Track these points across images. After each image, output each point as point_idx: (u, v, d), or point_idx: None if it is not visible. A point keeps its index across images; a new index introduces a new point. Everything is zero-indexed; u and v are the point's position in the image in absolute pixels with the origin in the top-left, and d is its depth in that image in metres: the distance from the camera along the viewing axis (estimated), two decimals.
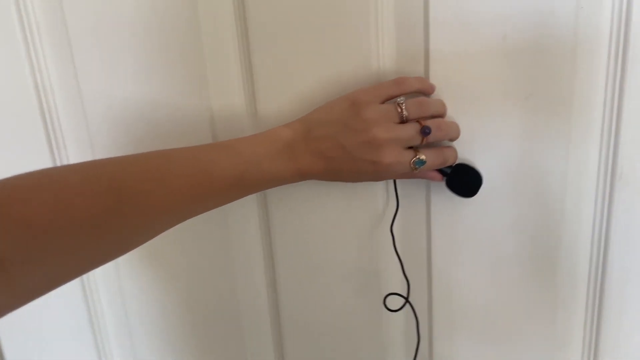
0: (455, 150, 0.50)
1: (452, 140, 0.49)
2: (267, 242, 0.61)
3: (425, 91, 0.49)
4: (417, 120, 0.46)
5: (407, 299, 0.56)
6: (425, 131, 0.45)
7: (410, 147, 0.46)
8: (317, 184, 0.55)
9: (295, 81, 0.53)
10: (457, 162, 0.51)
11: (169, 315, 0.66)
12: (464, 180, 0.51)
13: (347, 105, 0.45)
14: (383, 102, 0.46)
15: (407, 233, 0.57)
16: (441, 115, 0.49)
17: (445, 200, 0.54)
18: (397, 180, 0.53)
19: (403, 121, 0.45)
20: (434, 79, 0.50)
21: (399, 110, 0.45)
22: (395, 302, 0.57)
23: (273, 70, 0.53)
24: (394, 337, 0.61)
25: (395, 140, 0.44)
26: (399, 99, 0.46)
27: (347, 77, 0.52)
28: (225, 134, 0.57)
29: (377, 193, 0.56)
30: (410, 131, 0.45)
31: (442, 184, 0.52)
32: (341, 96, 0.47)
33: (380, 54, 0.51)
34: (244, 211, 0.60)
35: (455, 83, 0.50)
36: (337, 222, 0.58)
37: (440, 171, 0.50)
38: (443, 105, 0.49)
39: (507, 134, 0.51)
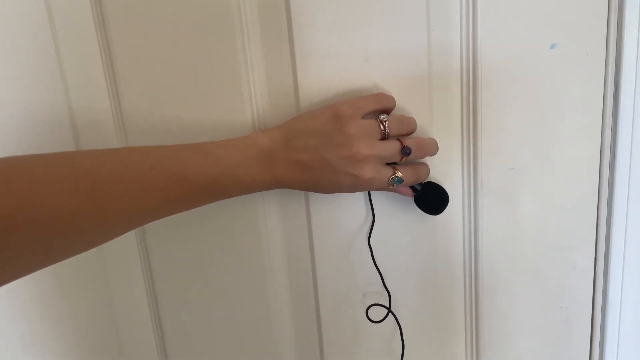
0: (428, 168, 0.51)
1: (431, 155, 0.50)
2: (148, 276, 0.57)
3: (392, 109, 0.50)
4: (398, 138, 0.47)
5: (389, 309, 0.55)
6: (405, 152, 0.46)
7: (389, 163, 0.47)
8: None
9: (159, 78, 0.51)
10: (427, 180, 0.52)
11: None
12: (431, 199, 0.52)
13: (329, 117, 0.45)
14: (364, 117, 0.46)
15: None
16: (413, 132, 0.50)
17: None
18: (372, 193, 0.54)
19: (384, 138, 0.46)
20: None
21: (382, 127, 0.46)
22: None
23: (137, 71, 0.50)
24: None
25: (377, 157, 0.45)
26: (381, 116, 0.46)
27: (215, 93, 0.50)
28: (87, 133, 0.52)
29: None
30: (392, 149, 0.46)
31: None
32: (323, 107, 0.47)
33: (253, 95, 0.50)
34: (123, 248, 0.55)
35: None
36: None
37: (412, 187, 0.51)
38: (415, 123, 0.50)
39: None
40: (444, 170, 0.54)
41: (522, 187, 0.54)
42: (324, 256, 0.56)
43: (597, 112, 0.52)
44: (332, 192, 0.47)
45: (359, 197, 0.54)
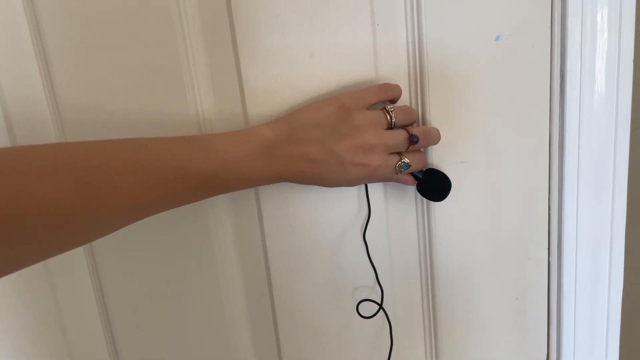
0: (425, 156, 0.51)
1: (434, 144, 0.51)
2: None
3: (397, 98, 0.50)
4: (404, 127, 0.47)
5: (380, 306, 0.55)
6: (413, 140, 0.47)
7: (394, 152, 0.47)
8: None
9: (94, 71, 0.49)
10: (427, 167, 0.52)
11: None
12: (435, 185, 0.51)
13: (334, 109, 0.45)
14: (368, 108, 0.47)
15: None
16: (415, 122, 0.50)
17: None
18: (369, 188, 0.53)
19: (390, 127, 0.46)
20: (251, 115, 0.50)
21: (388, 117, 0.46)
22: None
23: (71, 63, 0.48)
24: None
25: (384, 146, 0.45)
26: (388, 106, 0.47)
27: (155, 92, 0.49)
28: (23, 126, 0.50)
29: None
30: (399, 138, 0.46)
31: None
32: (326, 99, 0.47)
33: (197, 93, 0.49)
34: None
35: (274, 115, 0.50)
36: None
37: (413, 175, 0.50)
38: (417, 113, 0.51)
39: None
40: None
41: (473, 180, 0.54)
42: (279, 255, 0.55)
43: (544, 103, 0.52)
44: (336, 185, 0.47)
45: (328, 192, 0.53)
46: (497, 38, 0.50)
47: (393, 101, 0.49)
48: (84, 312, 0.56)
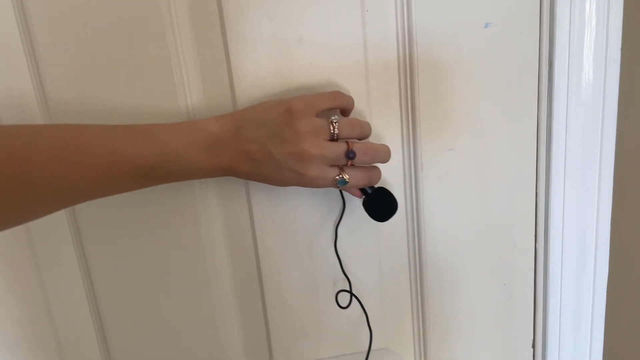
0: (379, 172, 0.48)
1: (381, 162, 0.48)
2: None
3: (350, 109, 0.49)
4: (346, 141, 0.45)
5: (352, 294, 0.55)
6: (349, 155, 0.44)
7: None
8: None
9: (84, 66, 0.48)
10: (378, 185, 0.50)
11: None
12: (379, 205, 0.50)
13: (281, 112, 0.44)
14: (318, 114, 0.45)
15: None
16: (366, 137, 0.48)
17: None
18: None
19: (333, 139, 0.45)
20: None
21: (332, 128, 0.44)
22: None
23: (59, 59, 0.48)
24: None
25: (322, 157, 0.44)
26: (333, 118, 0.45)
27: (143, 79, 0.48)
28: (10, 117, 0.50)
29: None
30: (338, 151, 0.44)
31: None
32: (278, 100, 0.46)
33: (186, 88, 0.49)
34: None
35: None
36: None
37: (362, 190, 0.49)
38: (370, 127, 0.48)
39: None
40: None
41: (461, 167, 0.54)
42: (268, 244, 0.55)
43: (532, 90, 0.53)
44: (280, 185, 0.46)
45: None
46: (487, 25, 0.50)
47: (345, 111, 0.48)
48: (72, 302, 0.56)
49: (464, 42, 0.50)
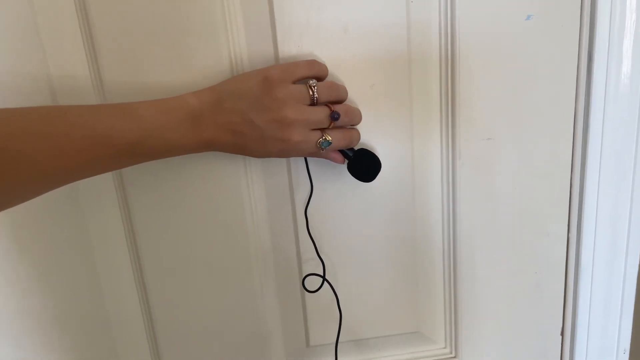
0: (358, 133, 0.50)
1: (354, 125, 0.50)
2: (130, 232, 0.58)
3: (324, 77, 0.50)
4: (326, 104, 0.47)
5: (324, 278, 0.57)
6: (334, 116, 0.46)
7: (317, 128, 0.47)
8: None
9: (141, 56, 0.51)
10: (359, 147, 0.52)
11: (29, 317, 0.60)
12: (364, 165, 0.51)
13: (259, 80, 0.45)
14: (295, 82, 0.46)
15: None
16: (344, 100, 0.50)
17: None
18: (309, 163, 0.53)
19: (313, 103, 0.46)
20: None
21: (311, 92, 0.46)
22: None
23: (117, 42, 0.50)
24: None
25: (305, 122, 0.45)
26: (311, 82, 0.46)
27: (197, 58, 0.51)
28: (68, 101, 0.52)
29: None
30: (320, 115, 0.46)
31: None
32: (255, 70, 0.47)
33: (232, 48, 0.51)
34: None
35: None
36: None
37: (343, 154, 0.51)
38: (346, 91, 0.50)
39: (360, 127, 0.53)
40: (423, 141, 0.55)
41: (497, 156, 0.55)
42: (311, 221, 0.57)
43: (571, 83, 0.54)
44: (262, 157, 0.47)
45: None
46: (528, 17, 0.51)
47: (320, 78, 0.49)
48: (119, 276, 0.58)
49: (505, 33, 0.52)
